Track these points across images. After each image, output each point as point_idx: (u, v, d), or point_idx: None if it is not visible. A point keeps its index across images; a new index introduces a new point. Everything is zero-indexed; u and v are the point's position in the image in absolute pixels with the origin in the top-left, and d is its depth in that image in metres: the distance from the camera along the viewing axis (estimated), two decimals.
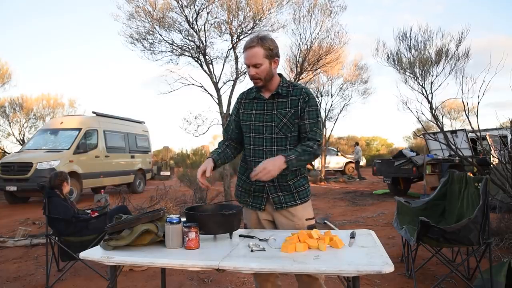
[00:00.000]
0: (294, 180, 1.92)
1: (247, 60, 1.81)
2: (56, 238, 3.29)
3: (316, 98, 2.02)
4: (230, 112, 2.06)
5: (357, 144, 17.30)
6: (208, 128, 7.72)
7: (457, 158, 7.75)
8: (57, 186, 3.42)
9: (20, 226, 5.46)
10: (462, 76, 4.60)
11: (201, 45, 7.21)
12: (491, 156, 6.75)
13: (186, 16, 7.06)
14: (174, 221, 1.59)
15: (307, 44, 8.77)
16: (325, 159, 16.00)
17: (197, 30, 7.20)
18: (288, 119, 1.85)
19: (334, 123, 16.19)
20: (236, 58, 7.48)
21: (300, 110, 1.84)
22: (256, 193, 1.94)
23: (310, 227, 1.89)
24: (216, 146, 2.05)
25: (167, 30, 7.26)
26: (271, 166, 1.68)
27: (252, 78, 1.83)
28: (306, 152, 1.78)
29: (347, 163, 18.04)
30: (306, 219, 1.93)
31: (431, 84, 5.43)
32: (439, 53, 5.61)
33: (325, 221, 5.61)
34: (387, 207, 7.18)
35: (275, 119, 1.86)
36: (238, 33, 7.33)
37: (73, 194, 8.41)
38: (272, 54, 1.80)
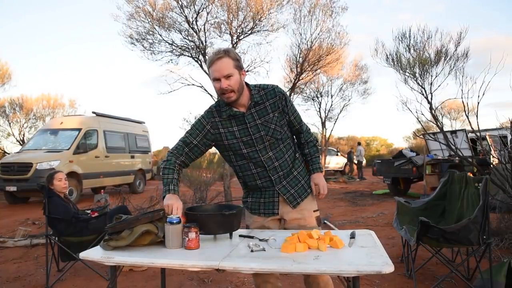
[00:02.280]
0: (298, 170, 1.95)
1: (217, 73, 1.70)
2: (56, 238, 3.29)
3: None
4: (191, 129, 1.86)
5: (359, 144, 17.29)
6: None
7: (457, 158, 7.75)
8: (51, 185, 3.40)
9: (20, 226, 5.46)
10: (462, 76, 4.60)
11: (201, 45, 7.21)
12: (491, 156, 6.76)
13: (186, 16, 7.06)
14: (174, 221, 1.59)
15: (307, 44, 8.76)
16: (325, 159, 16.00)
17: (197, 30, 7.20)
18: (276, 123, 1.84)
19: (334, 123, 16.24)
20: None
21: (283, 110, 1.86)
22: (267, 199, 1.93)
23: (318, 220, 1.96)
24: (170, 160, 1.81)
25: (167, 30, 7.27)
26: (322, 180, 1.95)
27: (225, 91, 1.72)
28: (315, 147, 2.02)
29: (347, 163, 18.04)
30: (314, 211, 1.96)
31: (431, 84, 5.42)
32: (438, 53, 5.60)
33: (325, 221, 5.61)
34: (387, 207, 7.18)
35: (263, 128, 1.82)
36: (238, 33, 7.34)
37: (73, 194, 8.41)
38: (240, 65, 1.75)
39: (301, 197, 1.92)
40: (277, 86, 1.88)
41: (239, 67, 1.74)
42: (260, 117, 1.82)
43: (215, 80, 1.73)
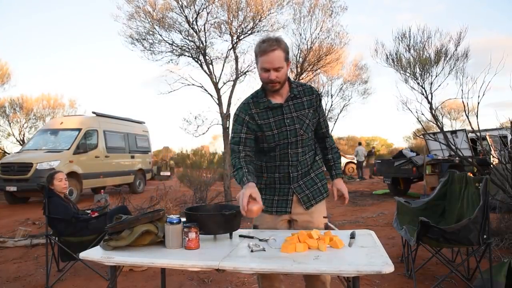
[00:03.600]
0: (316, 172, 1.96)
1: (268, 64, 1.71)
2: (56, 238, 3.29)
3: None
4: (233, 127, 1.89)
5: (359, 144, 17.25)
6: (208, 128, 7.72)
7: (457, 158, 7.75)
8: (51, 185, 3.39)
9: (20, 226, 5.45)
10: (462, 76, 4.61)
11: (201, 45, 7.20)
12: (491, 156, 6.76)
13: (186, 16, 7.06)
14: (174, 221, 1.59)
15: (307, 45, 8.77)
16: None
17: (197, 30, 7.20)
18: (310, 120, 1.87)
19: (334, 123, 16.20)
20: (236, 59, 7.47)
21: (316, 110, 1.90)
22: (281, 197, 1.92)
23: (326, 226, 1.96)
24: (235, 163, 1.82)
25: (167, 30, 7.26)
26: (344, 185, 1.99)
27: (271, 82, 1.74)
28: (338, 154, 2.06)
29: (347, 163, 18.02)
30: (324, 217, 1.97)
31: (431, 84, 5.43)
32: (438, 53, 5.60)
33: None
34: (387, 207, 7.18)
35: (298, 121, 1.84)
36: (238, 33, 7.33)
37: (73, 194, 8.41)
38: (288, 57, 1.77)
39: (316, 199, 1.93)
40: (313, 86, 1.94)
41: (287, 59, 1.76)
42: (296, 110, 1.85)
43: (264, 69, 1.74)
